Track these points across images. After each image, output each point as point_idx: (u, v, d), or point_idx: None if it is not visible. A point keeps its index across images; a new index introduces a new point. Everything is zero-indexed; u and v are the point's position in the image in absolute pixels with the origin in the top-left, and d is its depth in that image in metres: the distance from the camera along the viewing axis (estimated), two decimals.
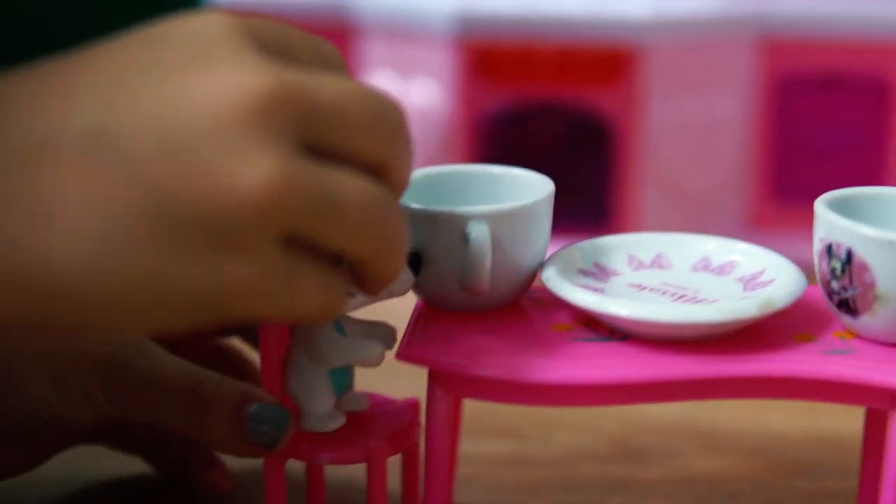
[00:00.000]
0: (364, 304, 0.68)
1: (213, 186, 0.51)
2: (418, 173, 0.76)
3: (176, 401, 0.69)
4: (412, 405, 0.75)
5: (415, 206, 0.70)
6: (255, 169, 0.51)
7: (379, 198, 0.57)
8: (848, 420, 0.88)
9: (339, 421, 0.71)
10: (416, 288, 0.72)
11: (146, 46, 0.55)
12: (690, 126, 1.30)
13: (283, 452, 0.70)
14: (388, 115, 0.58)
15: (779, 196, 1.35)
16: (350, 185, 0.55)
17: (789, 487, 0.87)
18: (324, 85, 0.55)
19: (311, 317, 0.58)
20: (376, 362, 0.69)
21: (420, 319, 0.72)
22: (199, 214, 0.51)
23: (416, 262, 0.69)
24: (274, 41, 0.56)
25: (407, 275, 0.68)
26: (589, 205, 1.34)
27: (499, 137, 1.32)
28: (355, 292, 0.65)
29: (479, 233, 0.68)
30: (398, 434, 0.72)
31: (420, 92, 1.32)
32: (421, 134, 1.32)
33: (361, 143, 0.57)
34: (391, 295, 0.69)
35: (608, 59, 1.28)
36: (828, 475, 0.88)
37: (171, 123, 0.52)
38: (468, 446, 0.90)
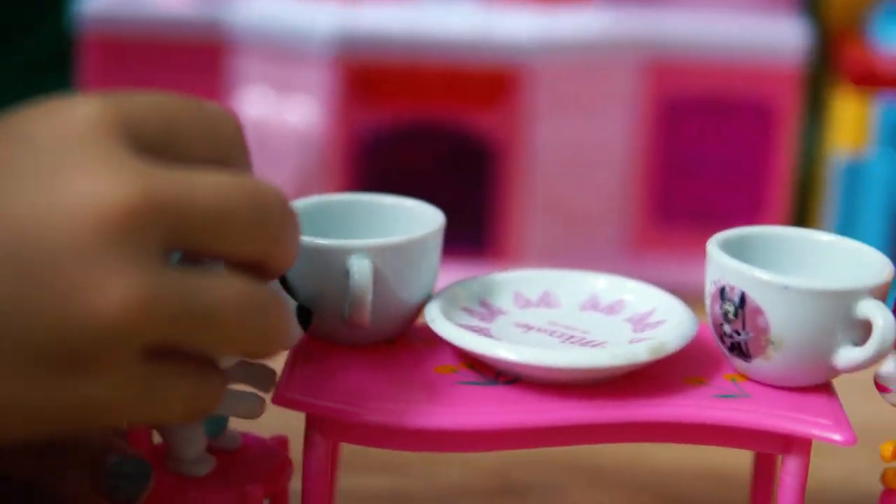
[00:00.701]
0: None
1: (70, 308, 0.48)
2: (302, 202, 0.73)
3: (31, 451, 0.65)
4: (282, 442, 0.73)
5: None
6: (115, 287, 0.48)
7: (254, 297, 0.54)
8: (735, 456, 0.87)
9: (210, 465, 0.68)
10: None
11: (5, 148, 0.51)
12: (575, 148, 1.30)
13: (150, 498, 0.67)
14: (270, 214, 0.55)
15: (663, 219, 1.35)
16: (222, 290, 0.52)
17: None
18: (200, 188, 0.52)
19: (180, 419, 0.55)
20: (255, 416, 0.67)
21: (299, 355, 0.69)
22: (53, 337, 0.48)
23: (306, 316, 0.67)
24: (154, 134, 0.53)
25: (295, 329, 0.66)
26: (472, 228, 1.32)
27: (379, 159, 1.30)
28: None
29: (360, 267, 0.66)
30: (271, 475, 0.69)
31: (297, 111, 1.29)
32: (298, 155, 1.29)
33: (239, 245, 0.54)
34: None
35: (492, 81, 1.26)
36: None
37: (28, 238, 0.48)
38: (345, 481, 0.87)
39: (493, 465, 0.93)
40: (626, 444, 0.77)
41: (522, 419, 0.64)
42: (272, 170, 1.31)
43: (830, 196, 1.33)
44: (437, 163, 1.34)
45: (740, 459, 0.84)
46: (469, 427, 0.63)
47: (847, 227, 1.30)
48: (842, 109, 1.31)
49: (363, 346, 0.70)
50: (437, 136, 1.31)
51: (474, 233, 1.32)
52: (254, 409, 0.67)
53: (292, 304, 0.66)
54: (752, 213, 1.35)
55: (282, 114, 1.30)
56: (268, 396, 0.68)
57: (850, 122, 1.30)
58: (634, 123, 1.32)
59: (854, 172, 1.30)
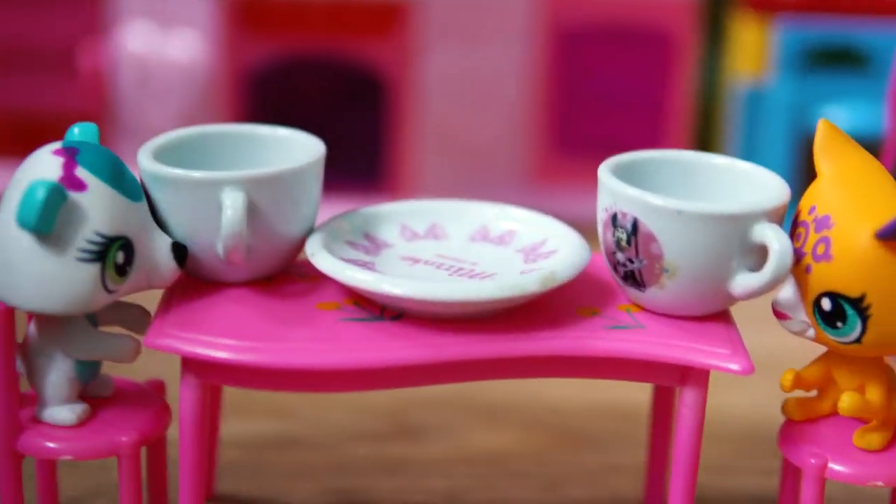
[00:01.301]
0: (124, 294, 0.63)
1: None
2: (177, 134, 0.71)
3: None
4: (158, 387, 0.70)
5: (168, 169, 0.65)
6: None
7: None
8: (634, 390, 0.85)
9: (84, 412, 0.66)
10: None
11: None
12: (469, 79, 1.27)
13: (22, 447, 0.64)
14: None
15: (562, 149, 1.33)
16: None
17: (576, 463, 0.84)
18: None
19: None
20: (129, 359, 0.65)
21: (174, 294, 0.66)
22: None
23: (181, 253, 0.64)
24: None
25: (170, 266, 0.64)
26: (364, 162, 1.30)
27: (267, 93, 1.27)
28: (114, 288, 0.62)
29: (234, 200, 0.63)
30: (148, 422, 0.67)
31: (180, 45, 1.25)
32: (183, 91, 1.26)
33: None
34: (151, 286, 0.65)
35: (382, 11, 1.23)
36: (615, 448, 0.86)
37: None
38: (231, 427, 0.85)
39: (385, 406, 0.90)
40: (523, 382, 0.76)
41: (408, 355, 0.61)
42: (156, 106, 1.27)
43: (732, 123, 1.32)
44: (328, 96, 1.31)
45: (640, 394, 0.83)
46: (353, 365, 0.61)
47: (749, 154, 1.29)
48: (741, 35, 1.30)
49: (242, 283, 0.67)
50: (327, 69, 1.28)
51: (368, 166, 1.29)
52: (127, 352, 0.65)
53: (166, 240, 0.64)
54: (652, 143, 1.34)
55: (165, 48, 1.27)
56: (142, 338, 0.65)
57: (750, 47, 1.28)
58: (530, 53, 1.30)
59: (755, 99, 1.29)
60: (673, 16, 1.30)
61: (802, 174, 1.26)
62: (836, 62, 1.27)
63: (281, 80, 1.28)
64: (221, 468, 0.81)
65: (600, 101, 1.32)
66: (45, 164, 0.61)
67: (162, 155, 0.68)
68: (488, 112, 1.29)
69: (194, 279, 0.68)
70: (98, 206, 0.61)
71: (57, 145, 0.63)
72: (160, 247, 0.64)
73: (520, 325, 0.63)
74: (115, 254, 0.61)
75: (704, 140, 1.42)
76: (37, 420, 0.66)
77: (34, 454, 0.65)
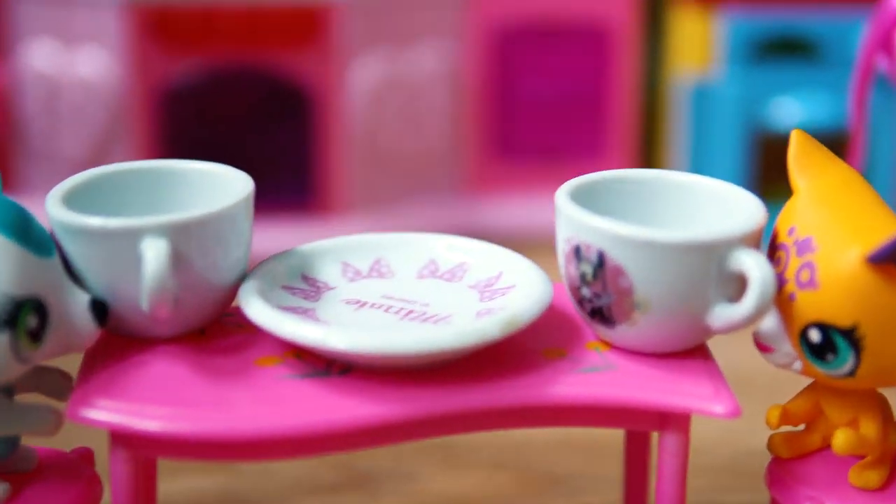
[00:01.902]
0: (39, 361, 0.58)
1: None
2: (87, 176, 0.65)
3: None
4: (86, 456, 0.65)
5: (80, 217, 0.60)
6: None
7: None
8: None
9: (5, 492, 0.61)
10: None
11: None
12: (396, 86, 1.23)
13: None
14: None
15: (499, 156, 1.29)
16: None
17: None
18: None
19: None
20: (51, 432, 0.60)
21: (96, 356, 0.61)
22: None
23: (100, 311, 0.59)
24: None
25: (89, 326, 0.59)
26: (290, 179, 1.25)
27: (183, 110, 1.22)
28: (28, 356, 0.57)
29: (155, 250, 0.58)
30: (78, 498, 0.61)
31: (88, 63, 1.20)
32: (93, 110, 1.20)
33: None
34: (70, 350, 0.60)
35: (300, 16, 1.19)
36: (586, 488, 0.82)
37: None
38: (168, 485, 0.80)
39: (336, 454, 0.86)
40: None
41: (362, 415, 0.57)
42: (65, 129, 1.22)
43: (678, 121, 1.28)
44: (248, 111, 1.26)
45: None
46: (300, 431, 0.56)
47: (699, 155, 1.26)
48: (682, 27, 1.26)
49: (170, 338, 0.62)
50: (246, 82, 1.23)
51: (295, 184, 1.24)
52: (48, 425, 0.60)
53: (83, 298, 0.59)
54: (595, 145, 1.30)
55: (72, 66, 1.21)
56: (62, 406, 0.60)
57: (693, 40, 1.25)
58: (460, 54, 1.26)
59: (702, 94, 1.25)
60: (610, 9, 1.26)
61: (757, 173, 1.22)
62: (784, 52, 1.24)
63: (198, 96, 1.23)
64: None
65: (538, 103, 1.29)
66: None
67: (73, 200, 0.63)
68: (419, 119, 1.24)
69: (117, 336, 0.63)
70: (2, 266, 0.55)
71: None
72: (77, 305, 0.59)
73: (480, 374, 0.59)
74: (25, 318, 0.56)
75: (650, 140, 1.38)
76: None
77: None
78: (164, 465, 0.78)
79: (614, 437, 0.79)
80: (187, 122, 1.23)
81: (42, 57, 1.22)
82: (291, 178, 1.25)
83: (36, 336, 0.57)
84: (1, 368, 0.56)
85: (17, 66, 1.24)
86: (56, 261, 0.59)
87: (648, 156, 1.37)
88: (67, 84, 1.21)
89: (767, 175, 1.19)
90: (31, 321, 0.56)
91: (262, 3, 1.18)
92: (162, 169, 0.67)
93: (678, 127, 1.29)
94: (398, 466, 0.84)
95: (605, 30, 1.27)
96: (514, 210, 1.25)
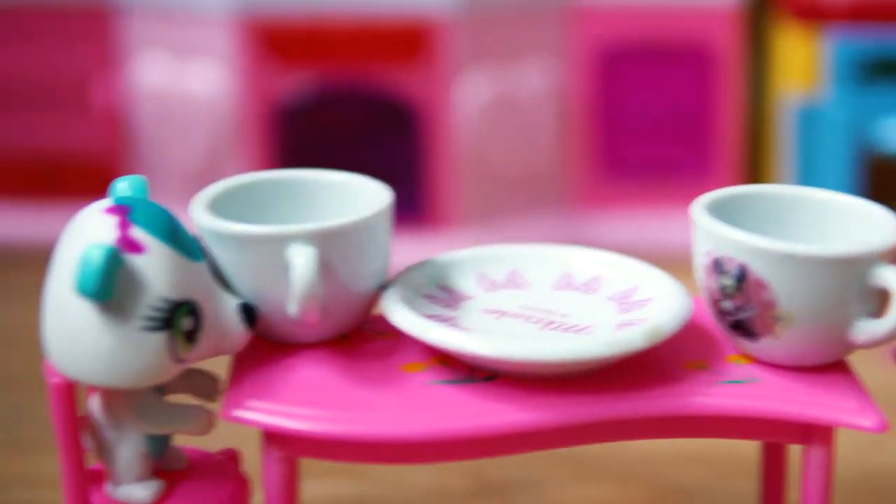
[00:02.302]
0: (192, 362, 0.60)
1: None
2: (229, 183, 0.67)
3: None
4: (232, 457, 0.67)
5: (229, 225, 0.62)
6: None
7: None
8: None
9: (159, 490, 0.62)
10: None
11: None
12: (503, 103, 1.24)
13: None
14: None
15: (604, 173, 1.30)
16: None
17: None
18: None
19: None
20: (205, 431, 0.62)
21: (245, 360, 0.63)
22: None
23: (250, 315, 0.61)
24: None
25: (239, 329, 0.61)
26: (400, 196, 1.26)
27: (295, 126, 1.23)
28: (183, 356, 0.58)
29: (305, 256, 0.60)
30: (228, 498, 0.63)
31: (199, 77, 1.22)
32: (205, 126, 1.22)
33: None
34: (220, 352, 0.61)
35: (407, 34, 1.20)
36: (718, 502, 0.82)
37: None
38: (305, 488, 0.82)
39: (467, 463, 0.87)
40: None
41: (506, 422, 0.58)
42: (176, 143, 1.24)
43: (785, 143, 1.29)
44: (358, 127, 1.27)
45: (732, 442, 0.79)
46: (450, 434, 0.57)
47: (806, 175, 1.26)
48: (788, 48, 1.27)
49: (315, 344, 0.64)
50: (355, 99, 1.25)
51: (404, 200, 1.26)
52: (202, 424, 0.62)
53: (233, 302, 0.60)
54: (700, 164, 1.31)
55: (184, 81, 1.23)
56: (213, 406, 0.62)
57: (798, 61, 1.25)
58: (567, 73, 1.27)
59: (808, 116, 1.25)
60: (715, 30, 1.27)
61: (866, 194, 1.23)
62: (890, 73, 1.24)
63: (309, 112, 1.24)
64: None
65: (643, 121, 1.29)
66: (97, 225, 0.58)
67: (216, 207, 0.64)
68: (526, 136, 1.26)
69: (263, 341, 0.64)
70: (159, 269, 0.57)
71: (108, 203, 0.59)
72: (228, 309, 0.61)
73: (622, 384, 0.60)
74: (181, 320, 0.58)
75: (756, 161, 1.39)
76: (109, 500, 0.62)
77: None
78: (303, 469, 0.79)
79: (744, 452, 0.79)
80: (297, 137, 1.25)
81: (155, 71, 1.24)
82: (400, 194, 1.26)
83: (191, 337, 0.58)
84: (158, 368, 0.58)
85: (131, 80, 1.26)
86: (204, 266, 0.60)
87: (754, 176, 1.38)
88: (179, 98, 1.23)
89: (876, 195, 1.19)
90: (187, 323, 0.58)
91: (371, 19, 1.20)
92: (301, 179, 0.69)
93: (784, 147, 1.29)
94: (529, 476, 0.85)
95: (709, 49, 1.28)
96: (619, 227, 1.27)
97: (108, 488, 0.63)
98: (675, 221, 1.24)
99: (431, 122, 1.21)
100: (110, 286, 0.56)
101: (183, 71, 1.23)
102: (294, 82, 1.21)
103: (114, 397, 0.61)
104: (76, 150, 1.30)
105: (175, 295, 0.58)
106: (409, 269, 0.67)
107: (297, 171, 0.70)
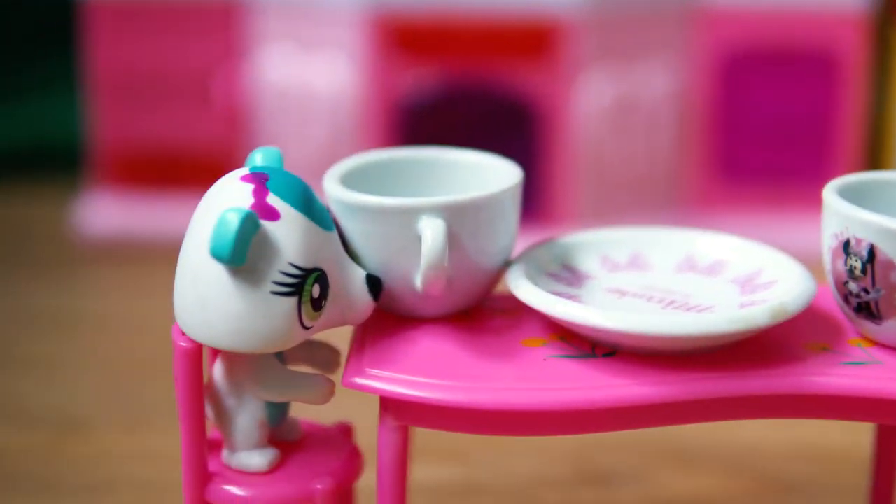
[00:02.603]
0: (318, 331, 0.61)
1: None
2: (362, 159, 0.68)
3: None
4: (345, 430, 0.68)
5: (360, 196, 0.63)
6: None
7: None
8: (827, 430, 0.82)
9: (275, 458, 0.63)
10: None
11: None
12: (624, 103, 1.24)
13: (211, 496, 0.62)
14: None
15: (724, 174, 1.29)
16: None
17: None
18: None
19: None
20: (324, 400, 0.63)
21: (367, 332, 0.64)
22: None
23: (375, 286, 0.62)
24: None
25: (365, 300, 0.62)
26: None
27: (415, 122, 1.25)
28: (309, 324, 0.60)
29: (434, 228, 0.61)
30: (341, 468, 0.64)
31: (324, 70, 1.24)
32: (328, 120, 1.24)
33: None
34: (345, 322, 0.62)
35: (531, 34, 1.21)
36: (826, 496, 0.82)
37: None
38: (413, 473, 0.82)
39: (569, 450, 0.87)
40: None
41: (625, 395, 0.58)
42: (298, 137, 1.26)
43: None
44: (478, 124, 1.28)
45: (836, 435, 0.79)
46: (563, 405, 0.58)
47: None
48: None
49: (437, 318, 0.65)
50: (476, 96, 1.26)
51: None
52: (322, 393, 0.62)
53: (360, 273, 0.61)
54: (819, 169, 1.30)
55: (307, 74, 1.25)
56: (334, 378, 0.63)
57: None
58: (688, 75, 1.27)
59: None
60: (840, 35, 1.26)
61: None
62: None
63: (429, 108, 1.26)
64: None
65: (763, 125, 1.29)
66: (234, 191, 0.59)
67: (348, 181, 0.66)
68: (645, 137, 1.26)
69: (386, 315, 0.65)
70: (292, 236, 0.58)
71: (244, 171, 0.60)
72: (354, 280, 0.62)
73: (743, 362, 0.60)
74: (311, 287, 0.59)
75: (876, 166, 1.37)
76: (226, 467, 0.63)
77: (224, 503, 0.63)
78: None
79: (850, 447, 0.79)
80: (418, 133, 1.26)
81: (278, 65, 1.26)
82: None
83: (317, 305, 0.59)
84: (285, 333, 0.59)
85: (254, 74, 1.28)
86: (335, 236, 0.61)
87: None
88: (302, 92, 1.25)
89: None
90: (315, 290, 0.59)
91: (497, 17, 1.21)
92: (433, 156, 0.70)
93: None
94: (633, 466, 0.85)
95: (833, 55, 1.27)
96: (736, 230, 1.26)
97: (225, 455, 0.64)
98: (791, 226, 1.24)
99: (552, 121, 1.22)
100: (244, 250, 0.57)
101: (306, 65, 1.25)
102: (417, 78, 1.23)
103: (236, 363, 0.62)
104: (199, 142, 1.32)
105: (306, 262, 0.59)
106: (534, 248, 0.68)
107: (429, 149, 0.71)
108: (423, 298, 0.63)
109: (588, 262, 0.68)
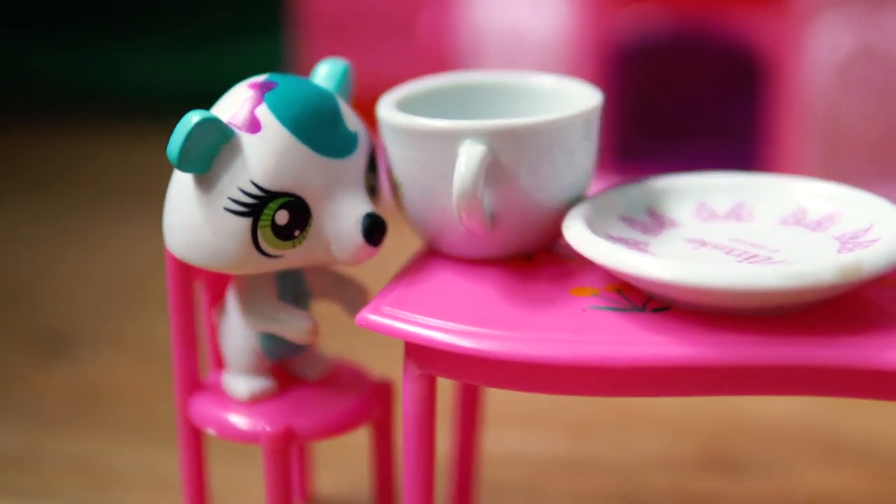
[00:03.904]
0: (300, 263, 0.58)
1: None
2: (442, 80, 0.64)
3: None
4: (383, 388, 0.65)
5: (401, 117, 0.58)
6: None
7: None
8: None
9: (262, 391, 0.61)
10: (417, 228, 0.60)
11: None
12: (866, 56, 1.14)
13: (191, 408, 0.62)
14: None
15: None
16: None
17: None
18: None
19: None
20: (303, 339, 0.59)
21: (410, 271, 0.59)
22: None
23: (373, 227, 0.57)
24: None
25: (353, 240, 0.57)
26: (738, 154, 1.19)
27: (631, 66, 1.18)
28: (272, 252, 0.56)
29: (469, 153, 0.55)
30: (322, 419, 0.61)
31: (541, 15, 1.19)
32: (538, 64, 1.19)
33: None
34: (332, 261, 0.58)
35: None
36: None
37: None
38: (518, 442, 0.77)
39: (701, 431, 0.80)
40: (876, 414, 0.70)
41: (671, 355, 0.51)
42: None
43: None
44: (699, 73, 1.21)
45: None
46: (585, 360, 0.51)
47: None
48: None
49: (493, 261, 0.59)
50: (699, 47, 1.18)
51: (742, 157, 1.18)
52: (300, 331, 0.59)
53: (359, 210, 0.57)
54: None
55: (519, 15, 1.20)
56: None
57: None
58: None
59: None
60: None
61: None
62: None
63: (649, 54, 1.19)
64: (496, 487, 0.74)
65: None
66: (233, 96, 0.57)
67: (409, 105, 0.61)
68: (889, 95, 1.15)
69: (437, 256, 0.61)
70: (264, 153, 0.55)
71: (260, 78, 0.57)
72: (348, 216, 0.57)
73: (817, 327, 0.52)
74: (272, 212, 0.55)
75: None
76: (216, 383, 0.64)
77: (193, 418, 0.62)
78: (513, 419, 0.76)
79: None
80: (635, 79, 1.19)
81: (487, 6, 1.22)
82: (738, 151, 1.19)
83: (284, 234, 0.56)
84: (236, 255, 0.55)
85: (462, 13, 1.25)
86: (346, 164, 0.57)
87: None
88: (512, 35, 1.21)
89: None
90: (281, 217, 0.55)
91: None
92: (506, 81, 0.65)
93: None
94: (768, 454, 0.77)
95: None
96: None
97: (223, 374, 0.63)
98: None
99: (781, 74, 1.13)
100: (197, 156, 0.54)
101: (516, 4, 1.20)
102: (635, 20, 1.16)
103: (235, 285, 0.60)
104: (399, 83, 1.28)
105: (272, 184, 0.55)
106: (614, 189, 0.61)
107: (506, 73, 0.66)
108: (469, 237, 0.58)
109: (680, 209, 0.61)
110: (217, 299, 0.65)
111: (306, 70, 1.30)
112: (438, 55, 1.26)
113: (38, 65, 1.69)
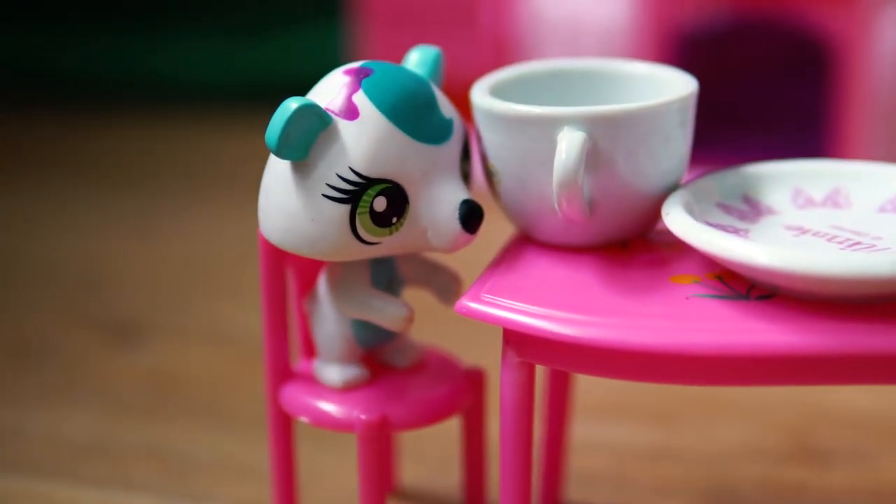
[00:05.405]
0: (397, 251, 0.57)
1: None
2: (535, 67, 0.64)
3: None
4: (474, 376, 0.64)
5: (497, 104, 0.58)
6: None
7: None
8: None
9: (354, 378, 0.61)
10: (512, 215, 0.60)
11: None
12: None
13: (283, 396, 0.62)
14: None
15: None
16: None
17: None
18: None
19: None
20: (398, 328, 0.59)
21: (506, 258, 0.59)
22: None
23: (470, 214, 0.57)
24: None
25: (451, 227, 0.56)
26: (800, 142, 1.18)
27: (695, 54, 1.17)
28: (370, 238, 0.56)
29: (570, 140, 0.55)
30: (413, 408, 0.61)
31: (602, 3, 1.18)
32: (603, 53, 1.18)
33: None
34: (429, 248, 0.58)
35: None
36: None
37: None
38: (604, 431, 0.77)
39: (788, 422, 0.79)
40: None
41: (765, 342, 0.51)
42: None
43: None
44: (764, 61, 1.20)
45: None
46: (688, 349, 0.51)
47: None
48: None
49: (587, 248, 0.59)
50: (765, 33, 1.17)
51: (805, 146, 1.17)
52: (394, 320, 0.59)
53: (457, 196, 0.56)
54: None
55: (579, 5, 1.20)
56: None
57: None
58: None
59: None
60: None
61: None
62: None
63: (713, 45, 1.18)
64: (578, 476, 0.73)
65: None
66: (329, 83, 0.56)
67: (502, 91, 0.61)
68: None
69: (532, 243, 0.60)
70: (363, 140, 0.55)
71: (356, 65, 0.57)
72: (445, 203, 0.56)
73: None
74: (371, 199, 0.55)
75: None
76: (307, 370, 0.64)
77: (285, 406, 0.62)
78: (599, 409, 0.76)
79: None
80: (699, 68, 1.19)
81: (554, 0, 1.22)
82: (800, 139, 1.18)
83: (383, 220, 0.55)
84: (334, 242, 0.55)
85: (524, 2, 1.24)
86: (443, 150, 0.57)
87: None
88: (572, 24, 1.20)
89: None
90: (379, 203, 0.55)
91: None
92: (602, 68, 0.65)
93: None
94: (857, 445, 0.76)
95: None
96: None
97: (315, 362, 0.63)
98: None
99: (848, 61, 1.12)
100: (297, 143, 0.54)
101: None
102: (699, 7, 1.15)
103: (329, 271, 0.60)
104: (464, 71, 1.27)
105: (371, 171, 0.55)
106: (709, 175, 0.61)
107: (603, 59, 0.65)
108: (566, 224, 0.57)
109: (776, 196, 0.61)
110: (307, 287, 0.64)
111: (364, 58, 1.30)
112: (499, 44, 1.25)
113: (98, 55, 1.69)
